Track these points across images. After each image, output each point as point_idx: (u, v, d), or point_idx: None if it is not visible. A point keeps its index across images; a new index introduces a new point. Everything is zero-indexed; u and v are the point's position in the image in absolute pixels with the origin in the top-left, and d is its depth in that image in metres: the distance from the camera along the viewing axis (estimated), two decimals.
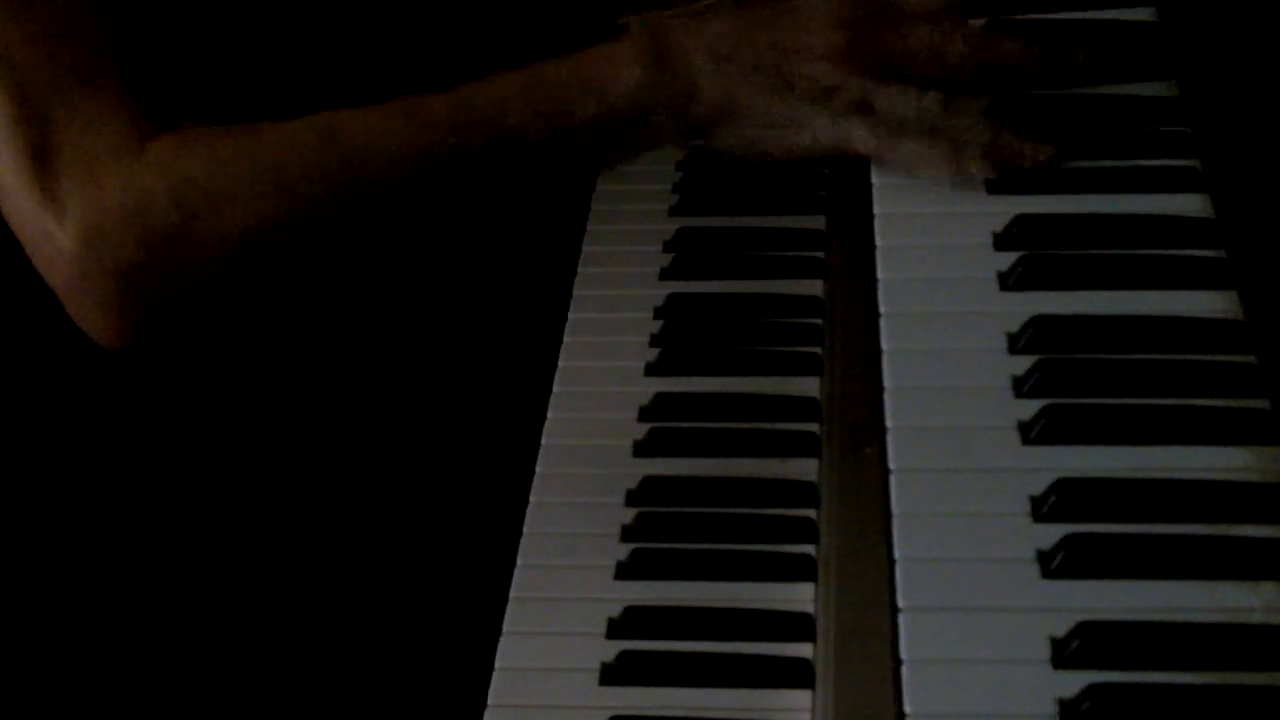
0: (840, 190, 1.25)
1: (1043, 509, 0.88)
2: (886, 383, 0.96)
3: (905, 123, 1.06)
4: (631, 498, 1.08)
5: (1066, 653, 0.81)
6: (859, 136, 1.07)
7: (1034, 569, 0.85)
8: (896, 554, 0.87)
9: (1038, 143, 1.06)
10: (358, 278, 1.32)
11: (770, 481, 1.09)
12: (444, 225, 1.12)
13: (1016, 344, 0.97)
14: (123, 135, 1.06)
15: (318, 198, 1.05)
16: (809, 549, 1.04)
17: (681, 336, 1.19)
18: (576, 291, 1.23)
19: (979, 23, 1.13)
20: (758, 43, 1.07)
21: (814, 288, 1.21)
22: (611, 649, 0.99)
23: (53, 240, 1.05)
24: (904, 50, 1.08)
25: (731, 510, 1.07)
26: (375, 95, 1.08)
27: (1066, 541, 0.85)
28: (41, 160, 1.06)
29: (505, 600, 1.02)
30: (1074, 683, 0.79)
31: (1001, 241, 1.03)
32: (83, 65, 1.07)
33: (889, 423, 0.94)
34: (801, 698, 0.96)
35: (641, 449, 1.11)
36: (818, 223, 1.26)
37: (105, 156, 1.05)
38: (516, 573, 1.04)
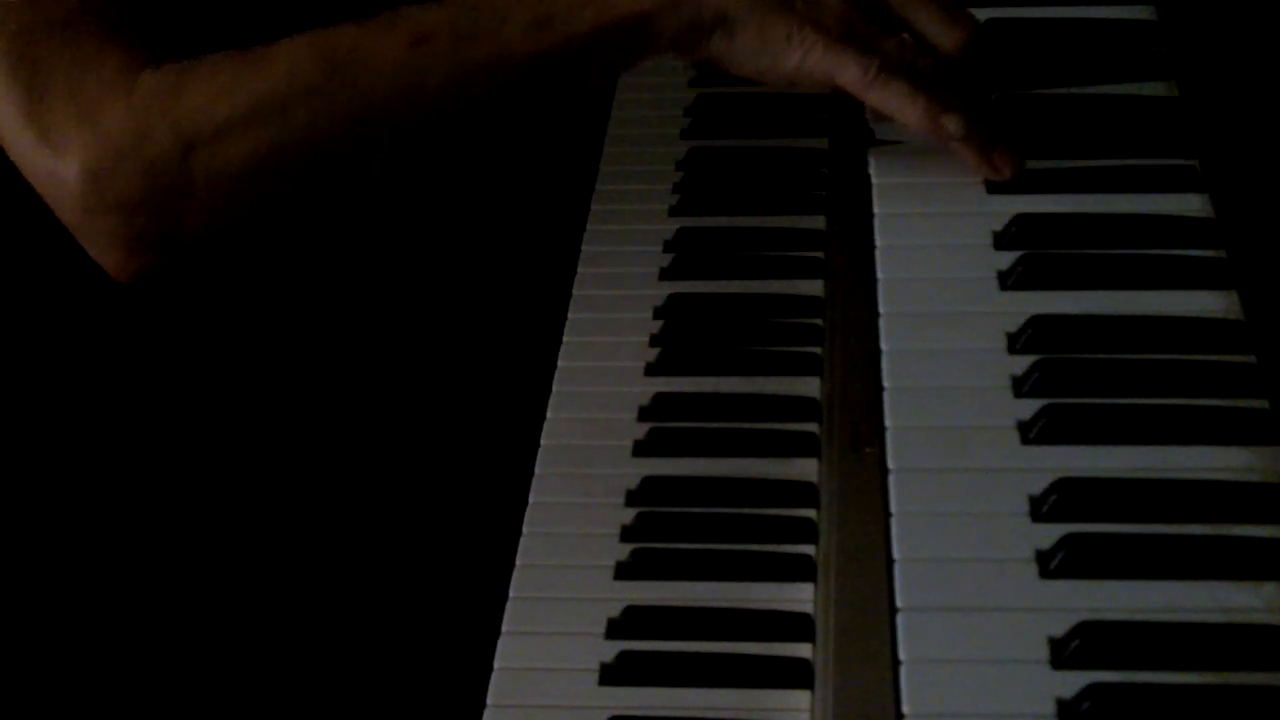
0: (840, 190, 1.25)
1: (1042, 509, 0.88)
2: (886, 383, 0.96)
3: (895, 69, 1.05)
4: (631, 498, 1.08)
5: (1065, 653, 0.81)
6: (849, 70, 1.05)
7: (1033, 569, 0.85)
8: (895, 554, 0.87)
9: (1008, 153, 1.06)
10: (370, 242, 1.31)
11: (770, 481, 1.08)
12: (455, 159, 1.09)
13: (1016, 344, 0.97)
14: (117, 70, 1.04)
15: (317, 120, 1.02)
16: (808, 549, 1.04)
17: (681, 336, 1.19)
18: (576, 291, 1.22)
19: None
20: None
21: (814, 288, 1.21)
22: (611, 649, 0.99)
23: (57, 180, 1.04)
24: (909, 11, 1.08)
25: (731, 510, 1.07)
26: (369, 8, 1.06)
27: (1066, 541, 0.85)
28: (37, 100, 1.04)
29: (505, 600, 1.02)
30: (1073, 682, 0.79)
31: (1001, 241, 1.03)
32: (73, 2, 1.06)
33: (889, 423, 0.94)
34: (801, 698, 0.96)
35: (641, 449, 1.11)
36: (818, 223, 1.26)
37: (100, 92, 1.04)
38: (516, 573, 1.04)
